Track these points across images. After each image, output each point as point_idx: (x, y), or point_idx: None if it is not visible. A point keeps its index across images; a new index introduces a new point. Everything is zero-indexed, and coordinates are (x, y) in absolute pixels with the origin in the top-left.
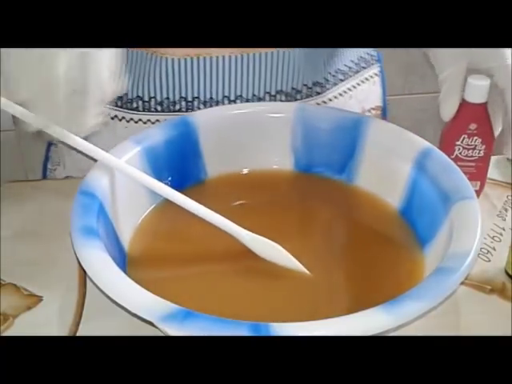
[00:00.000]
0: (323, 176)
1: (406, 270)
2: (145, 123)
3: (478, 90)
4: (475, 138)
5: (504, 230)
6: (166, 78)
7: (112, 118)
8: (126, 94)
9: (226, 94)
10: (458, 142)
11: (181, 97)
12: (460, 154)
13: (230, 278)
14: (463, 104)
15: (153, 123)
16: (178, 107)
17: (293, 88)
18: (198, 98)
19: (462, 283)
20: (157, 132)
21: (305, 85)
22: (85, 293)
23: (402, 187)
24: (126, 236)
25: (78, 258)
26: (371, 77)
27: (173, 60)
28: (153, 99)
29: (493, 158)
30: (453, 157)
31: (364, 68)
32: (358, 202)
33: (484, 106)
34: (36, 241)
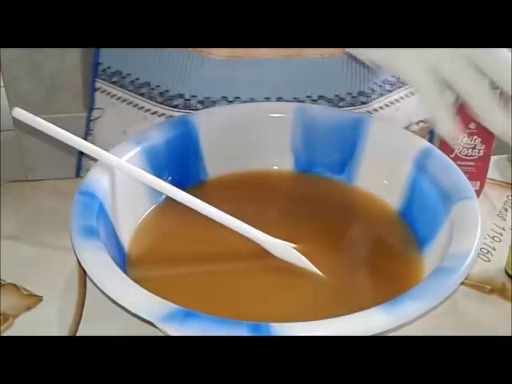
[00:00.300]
0: (323, 176)
1: (406, 270)
2: None
3: None
4: (475, 137)
5: (504, 229)
6: (209, 78)
7: (152, 114)
8: (168, 91)
9: (268, 95)
10: (458, 141)
11: (222, 97)
12: (460, 153)
13: (231, 278)
14: (463, 103)
15: None
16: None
17: (336, 95)
18: (239, 98)
19: (462, 283)
20: (157, 132)
21: (349, 93)
22: (85, 293)
23: (402, 187)
24: (126, 236)
25: (78, 258)
26: None
27: (216, 60)
28: (194, 97)
29: (493, 158)
30: (452, 156)
31: None
32: (358, 202)
33: None
34: (36, 241)
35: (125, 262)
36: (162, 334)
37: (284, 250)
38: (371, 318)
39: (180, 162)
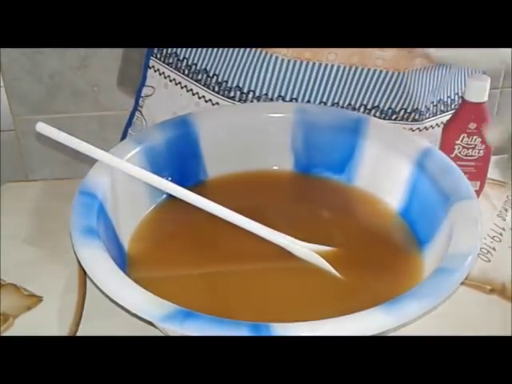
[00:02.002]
0: (323, 176)
1: (406, 270)
2: None
3: (477, 90)
4: (475, 137)
5: (504, 229)
6: (271, 76)
7: (206, 101)
8: (226, 82)
9: (324, 100)
10: (458, 142)
11: (279, 96)
12: (460, 153)
13: (231, 278)
14: (463, 103)
15: None
16: None
17: (389, 108)
18: (295, 99)
19: (462, 283)
20: (157, 132)
21: (404, 108)
22: (85, 293)
23: (402, 187)
24: (126, 236)
25: (77, 258)
26: None
27: (282, 60)
28: (251, 93)
29: (493, 158)
30: (452, 156)
31: None
32: (357, 202)
33: (484, 105)
34: (36, 241)
35: (125, 262)
36: (162, 334)
37: (306, 251)
38: (371, 317)
39: (180, 162)
